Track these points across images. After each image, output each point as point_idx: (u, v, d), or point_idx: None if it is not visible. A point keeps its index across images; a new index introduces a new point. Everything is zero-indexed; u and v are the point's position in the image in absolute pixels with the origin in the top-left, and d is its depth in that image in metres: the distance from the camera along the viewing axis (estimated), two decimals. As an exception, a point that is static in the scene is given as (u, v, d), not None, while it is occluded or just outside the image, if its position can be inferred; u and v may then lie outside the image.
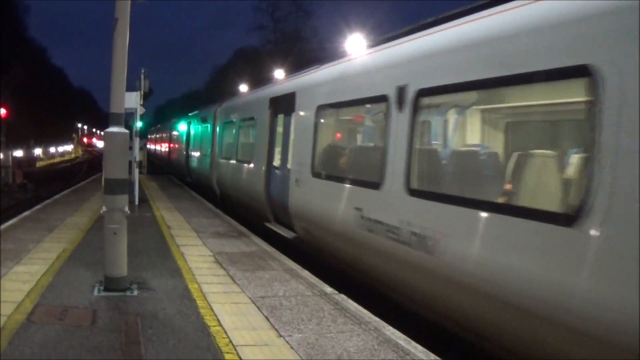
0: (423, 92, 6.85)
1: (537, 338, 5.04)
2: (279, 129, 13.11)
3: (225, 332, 5.86)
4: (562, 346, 4.81)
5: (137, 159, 17.51)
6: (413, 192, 6.80)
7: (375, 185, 7.59)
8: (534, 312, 4.94)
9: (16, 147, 54.71)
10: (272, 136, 13.46)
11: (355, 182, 8.40)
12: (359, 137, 10.41)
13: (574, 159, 5.11)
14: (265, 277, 8.34)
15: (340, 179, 8.86)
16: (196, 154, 25.92)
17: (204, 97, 63.52)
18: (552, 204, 5.25)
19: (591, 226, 4.38)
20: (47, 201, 17.38)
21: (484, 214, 5.61)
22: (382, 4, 72.36)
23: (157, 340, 5.54)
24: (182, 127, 32.87)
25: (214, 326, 6.04)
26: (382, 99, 7.62)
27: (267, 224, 12.72)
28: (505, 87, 5.92)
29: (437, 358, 5.42)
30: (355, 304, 7.12)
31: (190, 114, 32.06)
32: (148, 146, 53.76)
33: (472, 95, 6.74)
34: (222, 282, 7.94)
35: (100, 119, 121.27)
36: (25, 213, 14.16)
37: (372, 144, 9.36)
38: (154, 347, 5.37)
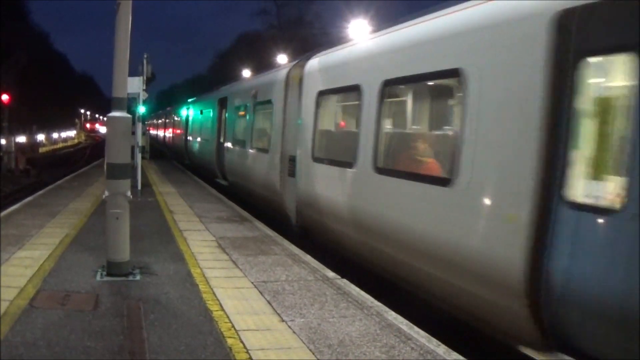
0: None
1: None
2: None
3: (228, 317, 5.86)
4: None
5: (140, 144, 17.50)
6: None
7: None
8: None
9: (19, 133, 54.71)
10: None
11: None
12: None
13: None
14: (267, 262, 8.34)
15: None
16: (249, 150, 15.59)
17: (207, 83, 63.26)
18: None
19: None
20: (50, 187, 17.39)
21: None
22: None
23: (159, 325, 5.54)
24: (206, 108, 24.05)
25: (217, 311, 6.04)
26: None
27: None
28: None
29: (439, 343, 5.42)
30: (357, 289, 7.12)
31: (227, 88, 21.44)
32: (151, 132, 53.20)
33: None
34: (224, 267, 7.95)
35: (103, 104, 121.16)
36: (28, 198, 14.16)
37: None
38: (157, 331, 5.37)
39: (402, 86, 8.21)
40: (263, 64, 40.06)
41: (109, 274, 7.12)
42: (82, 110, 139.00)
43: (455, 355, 5.15)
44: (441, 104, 7.80)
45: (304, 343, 5.25)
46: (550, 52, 5.06)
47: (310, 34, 58.84)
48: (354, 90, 8.90)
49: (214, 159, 20.54)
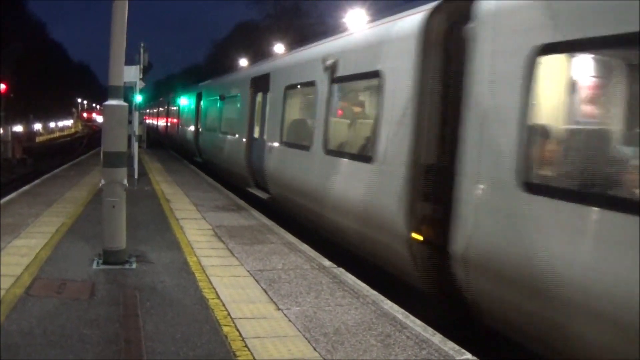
0: None
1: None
2: None
3: (224, 305, 5.87)
4: None
5: (137, 133, 17.47)
6: None
7: None
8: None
9: (16, 122, 54.56)
10: None
11: None
12: None
13: None
14: (264, 250, 8.35)
15: None
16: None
17: (204, 73, 63.08)
18: None
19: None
20: (47, 176, 17.35)
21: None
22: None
23: (155, 313, 5.55)
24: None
25: (213, 299, 6.05)
26: None
27: None
28: None
29: (435, 332, 5.43)
30: (353, 278, 7.13)
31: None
32: (148, 121, 52.90)
33: None
34: (220, 256, 7.95)
35: (100, 93, 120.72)
36: (25, 188, 14.13)
37: None
38: (152, 319, 5.37)
39: None
40: (260, 54, 39.90)
41: (105, 263, 7.12)
42: (79, 100, 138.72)
43: (450, 344, 5.16)
44: None
45: (300, 331, 5.26)
46: None
47: (307, 24, 58.55)
48: None
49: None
